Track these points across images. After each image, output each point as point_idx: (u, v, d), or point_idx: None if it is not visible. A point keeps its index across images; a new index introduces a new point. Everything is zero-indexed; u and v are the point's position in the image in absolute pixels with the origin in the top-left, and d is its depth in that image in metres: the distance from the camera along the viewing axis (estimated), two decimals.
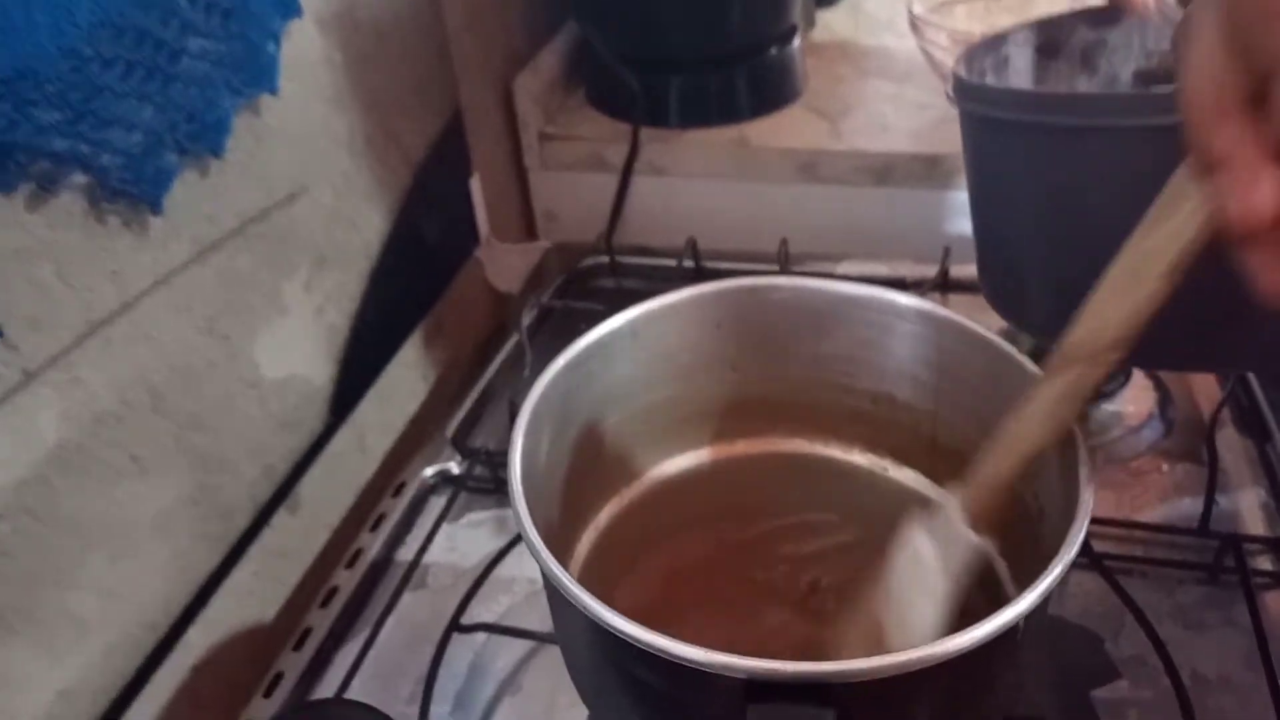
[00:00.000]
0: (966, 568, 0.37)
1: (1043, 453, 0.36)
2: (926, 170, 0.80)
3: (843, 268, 0.77)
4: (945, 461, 0.43)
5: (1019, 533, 0.39)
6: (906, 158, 0.80)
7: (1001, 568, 0.40)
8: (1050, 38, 0.55)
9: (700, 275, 0.77)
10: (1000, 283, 0.49)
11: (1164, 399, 0.64)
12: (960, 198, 0.80)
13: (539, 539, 0.32)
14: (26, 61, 0.39)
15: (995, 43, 0.54)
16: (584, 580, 0.39)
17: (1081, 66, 0.55)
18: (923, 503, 0.43)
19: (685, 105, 0.86)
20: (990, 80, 0.53)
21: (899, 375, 0.43)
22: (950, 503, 0.38)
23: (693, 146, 0.85)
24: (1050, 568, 0.31)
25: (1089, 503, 0.33)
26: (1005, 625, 0.30)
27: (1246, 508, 0.58)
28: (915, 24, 0.85)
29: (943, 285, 0.73)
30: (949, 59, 0.84)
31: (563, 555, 0.42)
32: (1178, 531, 0.56)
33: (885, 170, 0.81)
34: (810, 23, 1.00)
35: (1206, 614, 0.52)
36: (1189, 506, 0.58)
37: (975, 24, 0.87)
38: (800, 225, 0.81)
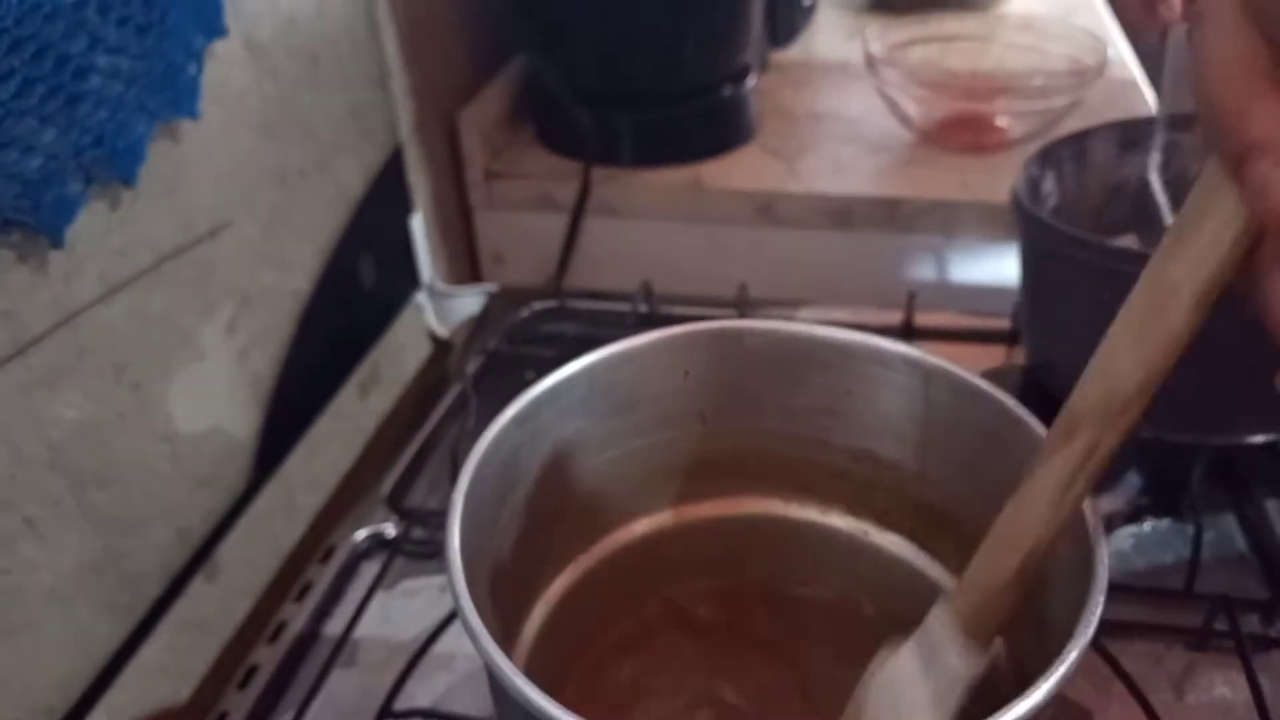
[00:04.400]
0: (965, 694, 0.32)
1: (1052, 546, 0.30)
2: (887, 213, 0.77)
3: (803, 314, 0.74)
4: (932, 525, 0.39)
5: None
6: (866, 200, 0.78)
7: (996, 646, 0.36)
8: (1131, 136, 0.63)
9: (655, 320, 0.74)
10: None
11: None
12: (923, 241, 0.78)
13: (485, 630, 0.27)
14: None
15: (1076, 138, 0.62)
16: (534, 662, 0.35)
17: (1162, 161, 0.62)
18: (908, 573, 0.39)
19: (638, 143, 0.83)
20: (1068, 170, 0.61)
21: (881, 430, 0.39)
22: (941, 617, 0.32)
23: (646, 187, 0.82)
24: (1063, 655, 0.28)
25: (1103, 579, 0.29)
26: None
27: (1231, 567, 0.55)
28: (872, 63, 0.83)
29: (907, 333, 0.70)
30: (905, 98, 0.83)
31: (511, 634, 0.37)
32: (1163, 594, 0.53)
33: (844, 213, 0.78)
34: (763, 63, 0.98)
35: (1199, 681, 0.49)
36: (1171, 566, 0.55)
37: (929, 64, 0.86)
38: (758, 269, 0.78)
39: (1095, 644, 0.48)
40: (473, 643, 0.27)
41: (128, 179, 0.46)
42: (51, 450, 0.45)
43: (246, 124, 0.56)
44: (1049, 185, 0.61)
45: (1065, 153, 0.62)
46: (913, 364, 0.37)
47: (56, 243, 0.43)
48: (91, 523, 0.48)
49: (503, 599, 0.37)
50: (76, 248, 0.44)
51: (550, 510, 0.38)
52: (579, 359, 0.38)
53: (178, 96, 0.48)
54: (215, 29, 0.50)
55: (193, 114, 0.49)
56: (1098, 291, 0.53)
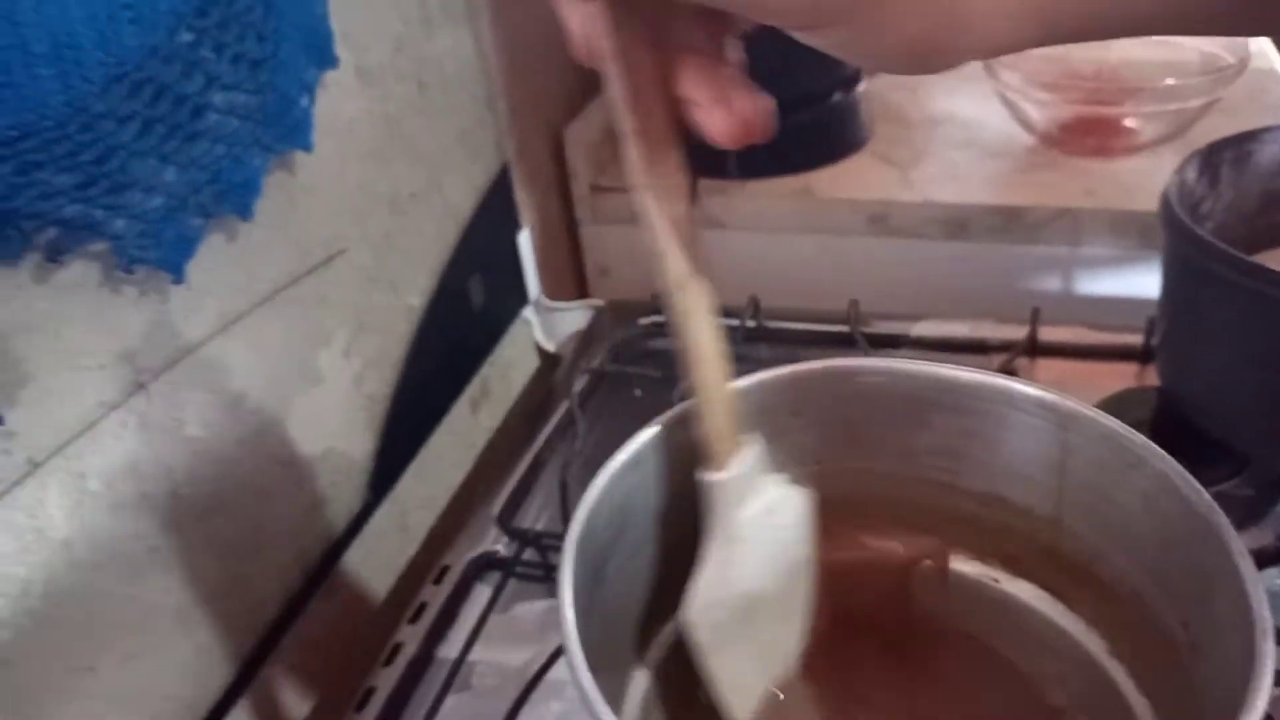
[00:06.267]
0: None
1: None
2: (1007, 223, 0.74)
3: (919, 328, 0.71)
4: (1069, 576, 0.36)
5: (1163, 667, 0.32)
6: (984, 209, 0.75)
7: (1142, 707, 0.34)
8: None
9: (762, 335, 0.72)
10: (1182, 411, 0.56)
11: None
12: (1047, 252, 0.74)
13: (601, 700, 0.26)
14: (30, 120, 0.36)
15: (1241, 139, 0.57)
16: (646, 711, 0.34)
17: None
18: (1043, 624, 0.37)
19: (745, 154, 0.80)
20: (1226, 174, 0.57)
21: (1010, 473, 0.37)
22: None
23: (754, 198, 0.80)
24: None
25: (1269, 656, 0.27)
26: None
27: None
28: (990, 65, 0.80)
29: (1031, 350, 0.67)
30: (1026, 101, 0.79)
31: (622, 682, 0.36)
32: None
33: (961, 223, 0.75)
34: None
35: None
36: None
37: (1051, 64, 0.82)
38: (871, 282, 0.75)
39: None
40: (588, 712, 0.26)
41: (245, 213, 0.47)
42: (174, 481, 0.46)
43: (358, 151, 0.57)
44: (1202, 189, 0.56)
45: (1227, 155, 0.57)
46: (1048, 407, 0.35)
47: (178, 279, 0.43)
48: (214, 548, 0.49)
49: (615, 645, 0.36)
50: (196, 283, 0.45)
51: (663, 554, 0.37)
52: (686, 401, 0.36)
53: (291, 129, 0.48)
54: (326, 60, 0.51)
55: (306, 146, 0.49)
56: (1247, 315, 0.50)
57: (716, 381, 0.33)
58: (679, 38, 0.29)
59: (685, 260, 0.31)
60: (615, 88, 0.30)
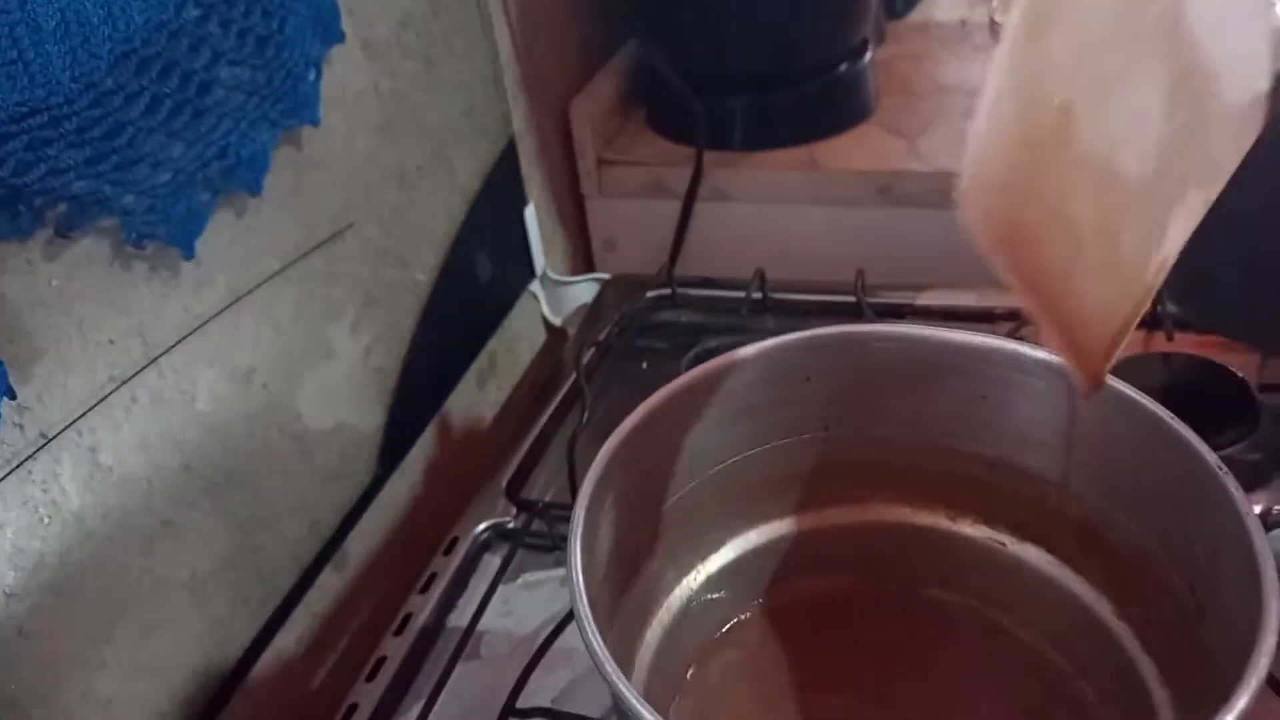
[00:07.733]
0: None
1: None
2: None
3: (925, 298, 0.71)
4: (1077, 540, 0.37)
5: (1170, 629, 0.33)
6: None
7: (1148, 668, 0.34)
8: None
9: (769, 307, 0.72)
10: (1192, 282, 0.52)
11: None
12: None
13: (615, 667, 0.27)
14: (40, 97, 0.36)
15: None
16: (654, 673, 0.35)
17: None
18: (1052, 588, 0.37)
19: (751, 126, 0.81)
20: None
21: (1019, 438, 0.37)
22: None
23: (760, 169, 0.80)
24: (1228, 708, 0.25)
25: (1275, 616, 0.27)
26: None
27: None
28: (998, 32, 0.79)
29: None
30: None
31: (631, 644, 0.37)
32: None
33: None
34: (881, 35, 0.95)
35: None
36: None
37: None
38: (877, 252, 0.75)
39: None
40: (610, 687, 0.27)
41: (253, 188, 0.47)
42: (185, 454, 0.46)
43: (365, 126, 0.57)
44: None
45: None
46: (1056, 370, 0.35)
47: (187, 255, 0.44)
48: (226, 521, 0.49)
49: (625, 607, 0.36)
50: (205, 258, 0.45)
51: (672, 518, 0.37)
52: (699, 367, 0.37)
53: (298, 104, 0.48)
54: (333, 35, 0.51)
55: (314, 121, 0.50)
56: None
57: None
58: None
59: None
60: None
